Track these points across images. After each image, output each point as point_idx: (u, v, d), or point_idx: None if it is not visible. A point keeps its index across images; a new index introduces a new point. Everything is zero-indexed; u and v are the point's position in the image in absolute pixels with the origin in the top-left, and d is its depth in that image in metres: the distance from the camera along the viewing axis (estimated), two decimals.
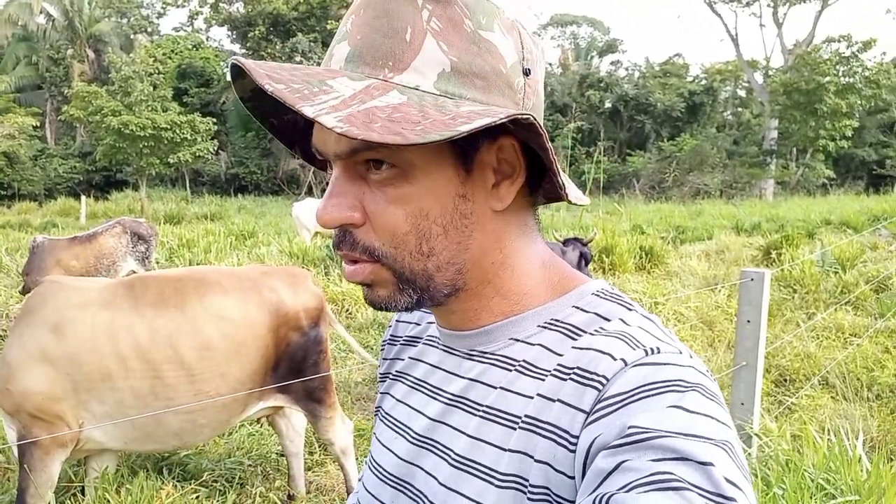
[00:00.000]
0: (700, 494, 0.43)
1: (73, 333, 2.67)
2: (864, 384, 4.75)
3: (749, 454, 2.99)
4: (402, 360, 0.82)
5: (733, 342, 5.57)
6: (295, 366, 3.04)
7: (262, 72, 0.54)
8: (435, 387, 0.72)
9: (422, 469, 0.68)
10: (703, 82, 37.02)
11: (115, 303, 2.77)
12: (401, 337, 0.85)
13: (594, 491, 0.47)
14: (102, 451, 2.96)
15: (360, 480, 0.81)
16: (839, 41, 29.13)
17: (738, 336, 3.10)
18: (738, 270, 8.48)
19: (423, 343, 0.80)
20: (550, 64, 43.57)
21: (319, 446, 3.94)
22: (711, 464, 0.45)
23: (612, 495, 0.45)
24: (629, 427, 0.49)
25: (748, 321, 3.02)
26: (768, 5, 33.49)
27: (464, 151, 0.60)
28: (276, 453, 3.83)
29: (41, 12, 34.78)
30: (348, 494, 3.29)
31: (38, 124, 25.95)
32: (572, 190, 0.67)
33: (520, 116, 0.55)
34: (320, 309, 3.15)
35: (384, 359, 0.87)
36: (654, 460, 0.46)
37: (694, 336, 6.01)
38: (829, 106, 27.43)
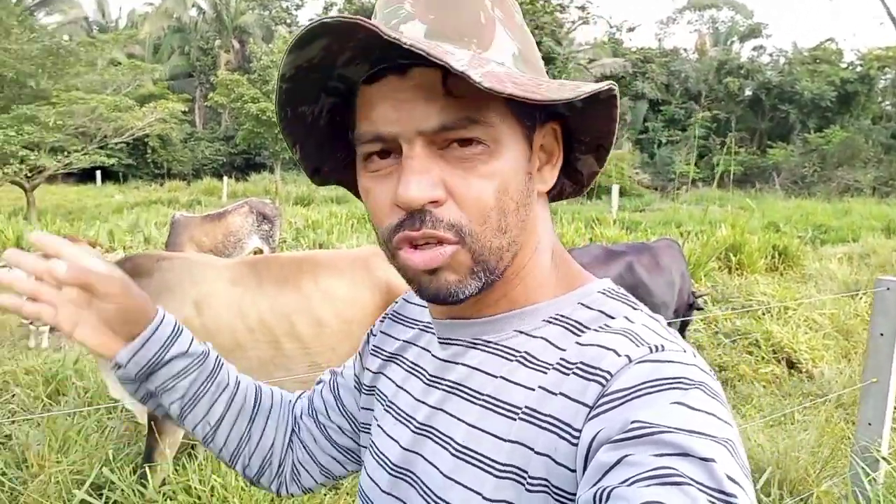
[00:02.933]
0: (701, 490, 0.44)
1: (210, 308, 2.93)
2: None
3: (873, 480, 2.73)
4: (401, 340, 0.82)
5: None
6: None
7: (388, 29, 0.53)
8: (433, 375, 0.72)
9: (422, 457, 0.68)
10: (859, 69, 33.64)
11: (243, 281, 3.02)
12: (401, 315, 0.86)
13: (595, 484, 0.47)
14: None
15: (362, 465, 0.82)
16: None
17: (869, 349, 2.83)
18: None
19: (419, 328, 0.81)
20: (685, 49, 41.50)
21: None
22: (713, 460, 0.45)
23: (614, 489, 0.45)
24: (632, 422, 0.49)
25: (881, 334, 2.74)
26: None
27: (529, 131, 0.63)
28: None
29: (193, 5, 37.81)
30: None
31: (188, 110, 28.22)
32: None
33: (612, 87, 0.60)
34: None
35: (380, 332, 0.87)
36: (656, 455, 0.46)
37: (826, 346, 5.53)
38: None
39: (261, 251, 8.44)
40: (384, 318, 0.89)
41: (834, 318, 6.16)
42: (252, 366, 2.95)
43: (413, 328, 0.82)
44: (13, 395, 4.20)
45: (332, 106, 0.68)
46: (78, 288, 0.72)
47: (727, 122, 34.34)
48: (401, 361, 0.80)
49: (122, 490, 2.84)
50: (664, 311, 4.58)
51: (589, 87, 0.58)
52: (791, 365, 5.21)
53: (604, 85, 0.60)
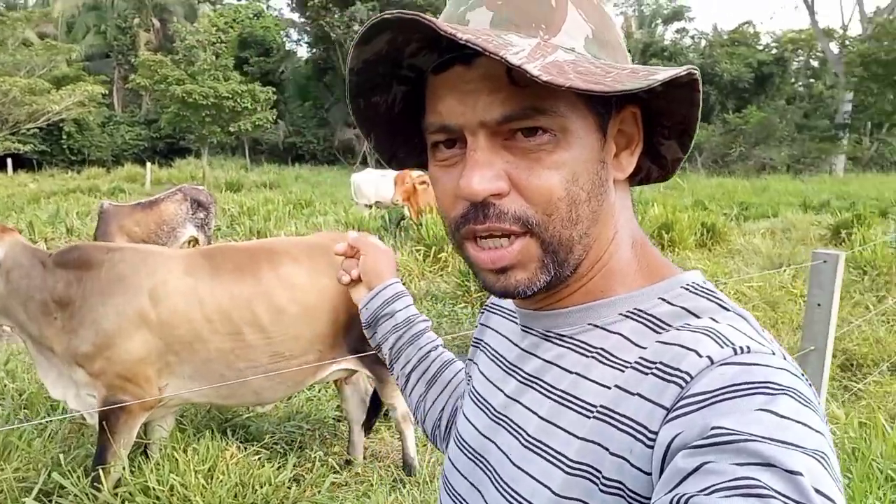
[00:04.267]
0: None
1: (166, 298, 2.82)
2: None
3: None
4: (491, 329, 0.84)
5: (798, 324, 5.40)
6: None
7: (445, 23, 0.53)
8: (512, 364, 0.73)
9: (496, 445, 0.69)
10: (774, 52, 35.41)
11: (198, 271, 2.91)
12: (496, 304, 0.87)
13: (672, 490, 0.46)
14: (171, 410, 3.12)
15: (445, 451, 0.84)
16: None
17: (806, 319, 3.01)
18: (805, 250, 8.24)
19: (505, 315, 0.82)
20: None
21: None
22: (800, 473, 0.43)
23: (692, 496, 0.44)
24: (713, 427, 0.47)
25: (818, 304, 2.91)
26: None
27: (602, 118, 0.62)
28: (333, 419, 3.94)
29: None
30: (405, 463, 3.39)
31: (107, 92, 26.84)
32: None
33: (693, 71, 0.57)
34: None
35: (480, 324, 0.89)
36: (738, 464, 0.44)
37: (756, 317, 5.83)
38: None
39: (196, 240, 8.18)
40: (484, 310, 0.90)
41: (761, 291, 6.51)
42: (211, 357, 2.87)
43: (501, 315, 0.83)
44: None
45: (405, 94, 0.68)
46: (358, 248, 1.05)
47: None
48: (486, 348, 0.82)
49: (75, 495, 2.72)
50: None
51: (664, 74, 0.56)
52: None
53: (682, 70, 0.57)
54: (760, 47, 36.75)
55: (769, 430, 0.45)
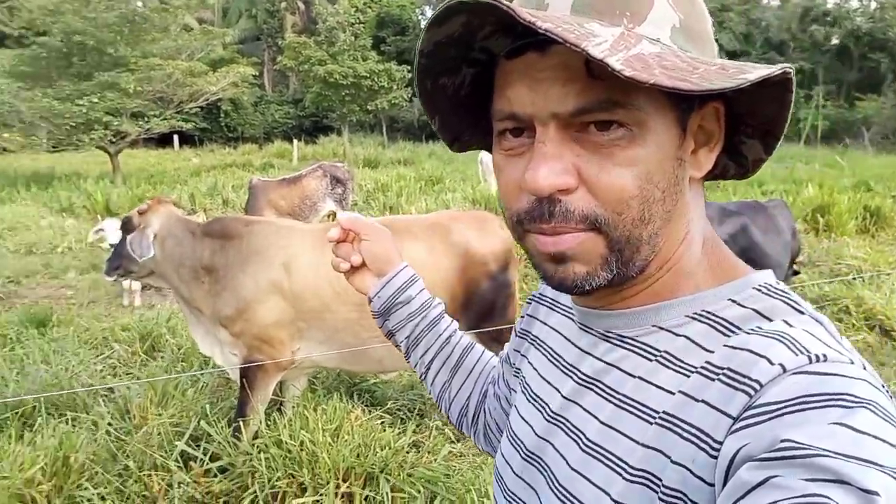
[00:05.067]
0: None
1: (298, 271, 3.03)
2: None
3: None
4: (543, 323, 0.81)
5: None
6: (484, 308, 3.22)
7: (524, 10, 0.51)
8: (570, 364, 0.70)
9: (553, 446, 0.67)
10: None
11: (325, 246, 3.08)
12: (548, 298, 0.84)
13: (734, 503, 0.44)
14: (304, 372, 3.35)
15: (497, 448, 0.81)
16: None
17: None
18: None
19: (560, 311, 0.79)
20: None
21: None
22: (876, 493, 0.40)
23: None
24: (782, 440, 0.44)
25: None
26: None
27: (683, 113, 0.58)
28: None
29: None
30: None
31: (258, 73, 28.73)
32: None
33: (787, 70, 0.53)
34: (508, 252, 3.28)
35: (527, 315, 0.87)
36: (808, 480, 0.41)
37: None
38: None
39: (334, 214, 8.61)
40: (531, 300, 0.88)
41: None
42: (338, 325, 3.04)
43: (555, 310, 0.81)
44: (112, 351, 4.48)
45: (474, 76, 0.66)
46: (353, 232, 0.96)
47: (812, 74, 32.31)
48: (539, 345, 0.80)
49: (219, 442, 2.99)
50: (779, 272, 4.61)
51: (756, 73, 0.52)
52: (885, 332, 4.97)
53: (776, 69, 0.53)
54: None
55: (844, 445, 0.43)
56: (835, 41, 32.91)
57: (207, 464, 2.92)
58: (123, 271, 3.34)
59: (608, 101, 0.54)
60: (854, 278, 5.86)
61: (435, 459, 3.19)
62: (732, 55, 34.17)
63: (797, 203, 8.52)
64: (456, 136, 0.73)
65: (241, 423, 3.06)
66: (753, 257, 4.49)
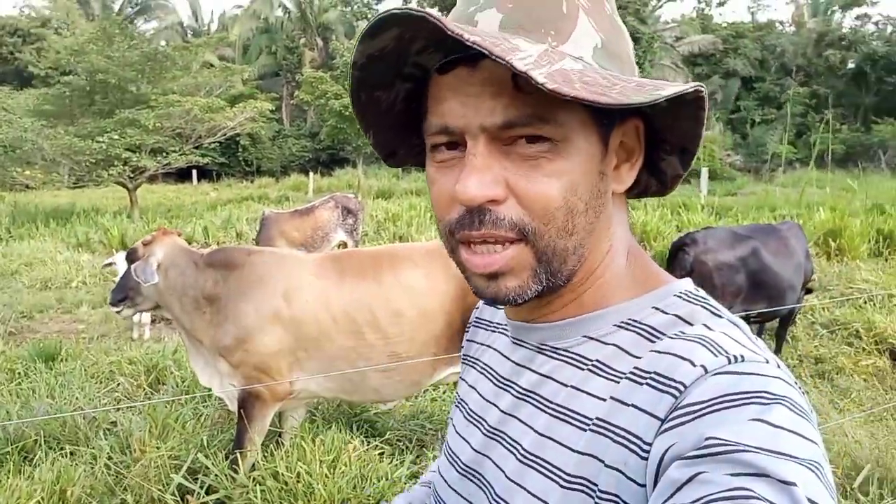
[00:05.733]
0: None
1: (298, 299, 3.07)
2: None
3: None
4: (480, 344, 0.83)
5: None
6: None
7: (453, 24, 0.52)
8: (506, 378, 0.72)
9: (491, 460, 0.68)
10: None
11: (326, 274, 3.14)
12: (484, 319, 0.85)
13: (666, 501, 0.46)
14: (302, 402, 3.35)
15: (435, 468, 0.83)
16: None
17: None
18: None
19: (494, 329, 0.80)
20: (781, 22, 39.24)
21: None
22: (794, 483, 0.42)
23: None
24: (707, 438, 0.47)
25: None
26: None
27: (605, 130, 0.61)
28: None
29: (279, 5, 39.09)
30: None
31: (276, 108, 29.27)
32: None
33: (700, 89, 0.56)
34: None
35: (467, 340, 0.88)
36: (731, 475, 0.44)
37: None
38: None
39: (345, 244, 8.68)
40: (468, 327, 0.90)
41: None
42: (335, 354, 3.06)
43: (488, 329, 0.83)
44: (118, 384, 4.52)
45: (408, 92, 0.67)
46: None
47: (827, 98, 32.19)
48: (474, 363, 0.82)
49: (216, 475, 2.99)
50: (791, 294, 4.60)
51: (671, 90, 0.54)
52: (895, 357, 4.87)
53: (689, 87, 0.56)
54: None
55: (763, 440, 0.45)
56: (851, 65, 32.83)
57: (204, 497, 2.92)
58: (130, 302, 3.39)
59: (534, 115, 0.56)
60: (865, 301, 5.77)
61: None
62: (747, 81, 34.21)
63: (808, 227, 8.43)
64: (391, 151, 0.75)
65: (238, 455, 3.06)
66: (765, 280, 4.47)
